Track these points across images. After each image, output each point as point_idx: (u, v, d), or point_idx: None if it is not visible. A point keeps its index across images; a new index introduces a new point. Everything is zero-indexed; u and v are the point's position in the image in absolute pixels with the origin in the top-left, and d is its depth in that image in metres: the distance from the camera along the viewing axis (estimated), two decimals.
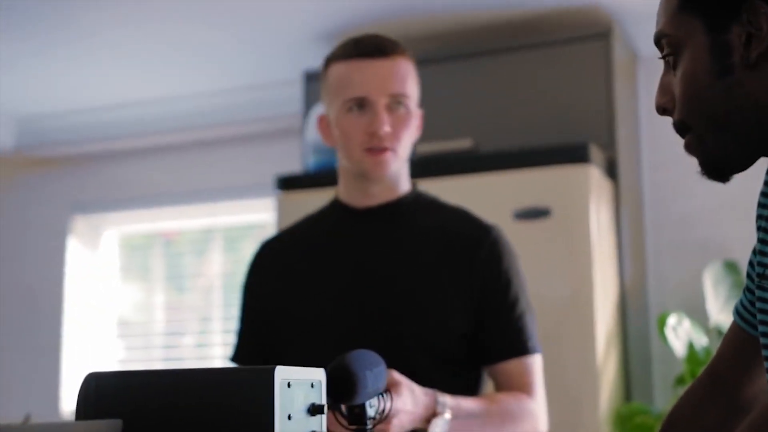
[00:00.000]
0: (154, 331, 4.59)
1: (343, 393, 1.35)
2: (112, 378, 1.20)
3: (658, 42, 1.24)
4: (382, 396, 1.51)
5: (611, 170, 3.30)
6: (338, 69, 1.85)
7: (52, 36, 3.61)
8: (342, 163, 1.90)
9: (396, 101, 1.82)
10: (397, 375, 1.60)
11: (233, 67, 3.96)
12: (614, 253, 3.27)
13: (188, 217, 4.54)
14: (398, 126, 1.82)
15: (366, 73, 1.81)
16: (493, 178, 3.18)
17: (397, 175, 1.88)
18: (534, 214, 3.08)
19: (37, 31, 3.54)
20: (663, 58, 1.24)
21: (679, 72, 1.21)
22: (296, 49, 3.73)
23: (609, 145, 3.30)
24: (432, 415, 1.63)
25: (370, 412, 1.42)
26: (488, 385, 1.91)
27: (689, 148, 1.23)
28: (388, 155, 1.82)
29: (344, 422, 1.42)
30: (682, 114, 1.21)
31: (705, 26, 1.18)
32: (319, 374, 1.19)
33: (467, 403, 1.72)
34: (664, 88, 1.24)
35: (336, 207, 1.94)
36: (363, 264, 1.86)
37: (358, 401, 1.39)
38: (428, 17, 3.43)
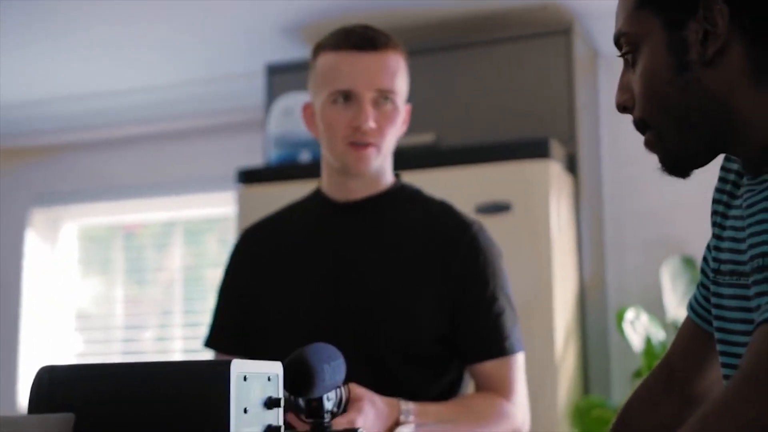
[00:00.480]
0: (114, 325, 4.56)
1: (300, 386, 1.33)
2: (65, 371, 1.19)
3: (617, 40, 1.25)
4: (340, 389, 1.51)
5: (571, 166, 3.33)
6: (327, 59, 1.81)
7: (10, 29, 3.57)
8: (324, 155, 1.88)
9: (383, 96, 1.80)
10: (357, 389, 1.57)
11: (195, 59, 3.94)
12: (574, 247, 3.30)
13: (149, 210, 4.51)
14: (383, 122, 1.80)
15: (354, 66, 1.78)
16: (455, 172, 3.19)
17: (380, 169, 1.85)
18: (495, 208, 3.09)
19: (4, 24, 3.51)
20: (622, 56, 1.25)
21: (638, 70, 1.22)
22: (259, 41, 3.71)
23: (569, 141, 3.32)
24: (395, 423, 1.60)
25: (328, 405, 1.41)
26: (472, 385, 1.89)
27: (649, 146, 1.24)
28: (371, 151, 1.80)
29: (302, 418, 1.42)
30: (642, 112, 1.22)
31: (662, 23, 1.19)
32: (276, 367, 1.18)
33: (435, 408, 1.70)
34: (623, 87, 1.25)
35: (318, 199, 1.92)
36: (341, 260, 1.84)
37: (315, 394, 1.38)
38: (390, 12, 3.44)
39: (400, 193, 1.89)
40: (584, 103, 3.44)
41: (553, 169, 3.13)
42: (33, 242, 4.57)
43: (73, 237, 4.67)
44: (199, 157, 4.29)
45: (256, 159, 3.81)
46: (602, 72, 3.65)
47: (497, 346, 1.79)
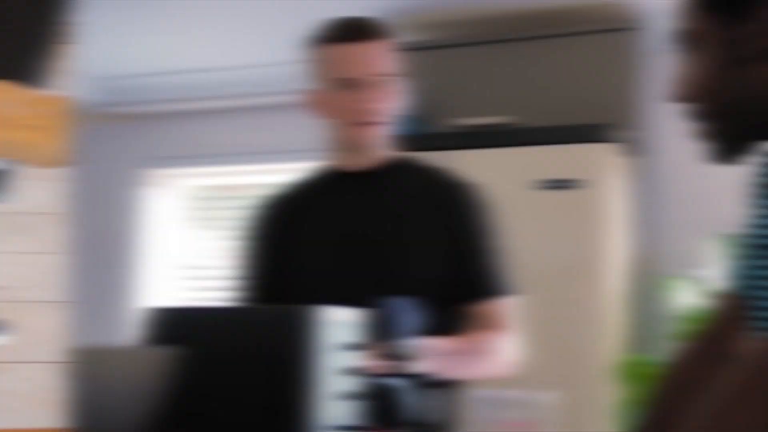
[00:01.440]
0: (218, 275, 4.59)
1: (381, 333, 1.50)
2: (175, 312, 1.28)
3: (677, 36, 1.31)
4: (416, 338, 1.60)
5: (631, 150, 3.51)
6: (327, 51, 1.97)
7: (138, 5, 3.77)
8: (332, 134, 2.04)
9: (380, 79, 1.95)
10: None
11: (292, 40, 4.03)
12: (628, 222, 3.49)
13: (250, 174, 4.65)
14: (383, 100, 1.96)
15: (353, 55, 1.94)
16: (527, 151, 3.40)
17: (384, 141, 2.02)
18: (559, 185, 3.31)
19: (127, 2, 3.73)
20: (681, 50, 1.30)
21: (695, 64, 1.28)
22: None
23: (630, 128, 3.49)
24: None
25: (405, 350, 1.54)
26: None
27: (701, 136, 1.29)
28: (376, 128, 1.97)
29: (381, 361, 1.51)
30: (696, 103, 1.29)
31: (720, 20, 1.23)
32: (358, 315, 1.31)
33: (443, 344, 1.81)
34: (681, 79, 1.30)
35: (330, 170, 2.08)
36: (355, 220, 2.00)
37: (394, 341, 1.52)
38: (477, 3, 3.59)
39: (402, 161, 2.06)
40: (645, 94, 3.56)
41: (614, 152, 3.34)
42: (146, 199, 4.75)
43: (181, 196, 4.82)
44: (299, 128, 4.42)
45: None
46: (660, 66, 3.68)
47: (491, 287, 1.97)
